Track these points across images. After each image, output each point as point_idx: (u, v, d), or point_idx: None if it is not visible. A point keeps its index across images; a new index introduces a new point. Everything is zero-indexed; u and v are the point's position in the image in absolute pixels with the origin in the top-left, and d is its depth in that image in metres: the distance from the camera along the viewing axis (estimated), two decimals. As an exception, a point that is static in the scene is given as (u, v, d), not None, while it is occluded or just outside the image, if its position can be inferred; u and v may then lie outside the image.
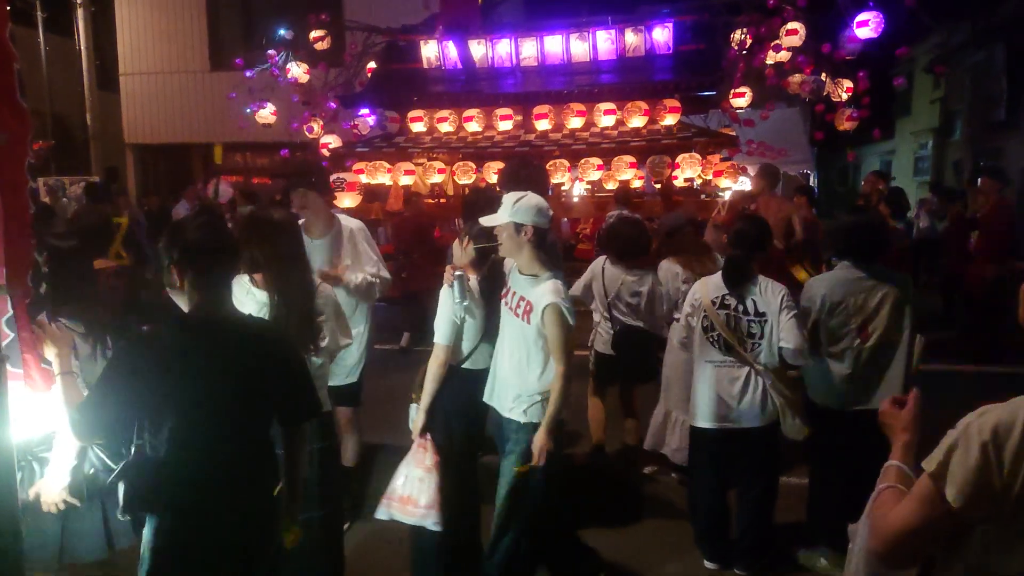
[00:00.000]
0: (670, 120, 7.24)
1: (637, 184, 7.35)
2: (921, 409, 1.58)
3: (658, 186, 7.37)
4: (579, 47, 7.77)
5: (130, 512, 2.09)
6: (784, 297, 3.25)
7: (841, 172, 25.71)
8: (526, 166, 4.07)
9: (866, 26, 7.57)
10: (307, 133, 9.04)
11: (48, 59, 14.02)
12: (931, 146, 21.47)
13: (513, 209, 2.81)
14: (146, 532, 2.02)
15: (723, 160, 7.49)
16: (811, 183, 13.03)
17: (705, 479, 3.45)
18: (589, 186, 7.76)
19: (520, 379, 2.87)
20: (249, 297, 2.76)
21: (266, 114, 9.19)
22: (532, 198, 2.86)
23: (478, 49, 8.14)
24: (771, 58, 7.84)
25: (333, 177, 7.29)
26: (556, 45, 7.79)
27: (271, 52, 9.13)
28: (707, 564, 3.47)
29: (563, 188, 7.95)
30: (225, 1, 14.30)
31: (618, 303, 4.34)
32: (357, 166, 8.07)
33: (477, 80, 8.18)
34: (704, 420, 3.33)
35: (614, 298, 4.32)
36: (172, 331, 2.01)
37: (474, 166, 7.43)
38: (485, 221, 2.91)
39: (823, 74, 8.05)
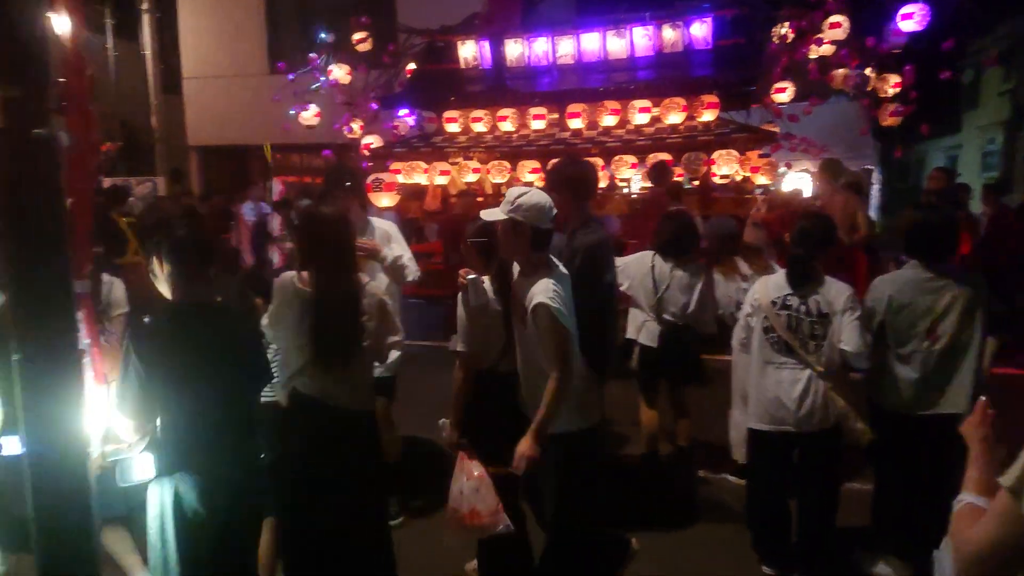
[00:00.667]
0: (708, 116, 7.12)
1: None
2: (991, 416, 1.51)
3: (695, 183, 7.27)
4: (616, 44, 7.71)
5: (166, 474, 2.37)
6: (848, 297, 3.16)
7: (902, 168, 24.82)
8: (574, 163, 4.06)
9: (911, 19, 7.36)
10: (347, 134, 9.20)
11: (116, 64, 14.58)
12: (1000, 140, 20.52)
13: (512, 205, 2.69)
14: (163, 495, 2.35)
15: (761, 156, 7.29)
16: (873, 179, 12.64)
17: (763, 482, 3.38)
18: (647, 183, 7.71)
19: (536, 386, 2.74)
20: (296, 297, 2.73)
21: (309, 116, 9.37)
22: (533, 195, 2.73)
23: (515, 48, 8.14)
24: (814, 52, 7.62)
25: (372, 177, 7.40)
26: (593, 43, 7.75)
27: (312, 55, 9.34)
28: (765, 570, 3.40)
29: (621, 186, 7.85)
30: (283, 6, 14.66)
31: (667, 300, 4.28)
32: (395, 166, 8.12)
33: (514, 79, 8.17)
34: (763, 422, 3.26)
35: (663, 294, 4.27)
36: (171, 319, 2.37)
37: (509, 165, 7.40)
38: (484, 215, 2.84)
39: (868, 69, 7.84)
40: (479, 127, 7.89)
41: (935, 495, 2.78)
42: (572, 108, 7.35)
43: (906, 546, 3.24)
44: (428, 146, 8.31)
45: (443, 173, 7.98)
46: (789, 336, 3.16)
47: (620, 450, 4.61)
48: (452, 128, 8.20)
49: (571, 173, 3.77)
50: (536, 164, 7.08)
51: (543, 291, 2.63)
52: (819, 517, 3.30)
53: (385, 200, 7.59)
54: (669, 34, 7.54)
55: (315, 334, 2.68)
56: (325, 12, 12.63)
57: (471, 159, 7.71)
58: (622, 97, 7.28)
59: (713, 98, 7.07)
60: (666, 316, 4.26)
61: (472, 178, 7.71)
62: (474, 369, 3.02)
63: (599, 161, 6.97)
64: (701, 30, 7.40)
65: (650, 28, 7.58)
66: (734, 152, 6.67)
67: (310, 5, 14.25)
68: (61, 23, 1.75)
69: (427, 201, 8.24)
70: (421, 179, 7.94)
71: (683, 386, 4.50)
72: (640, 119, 7.18)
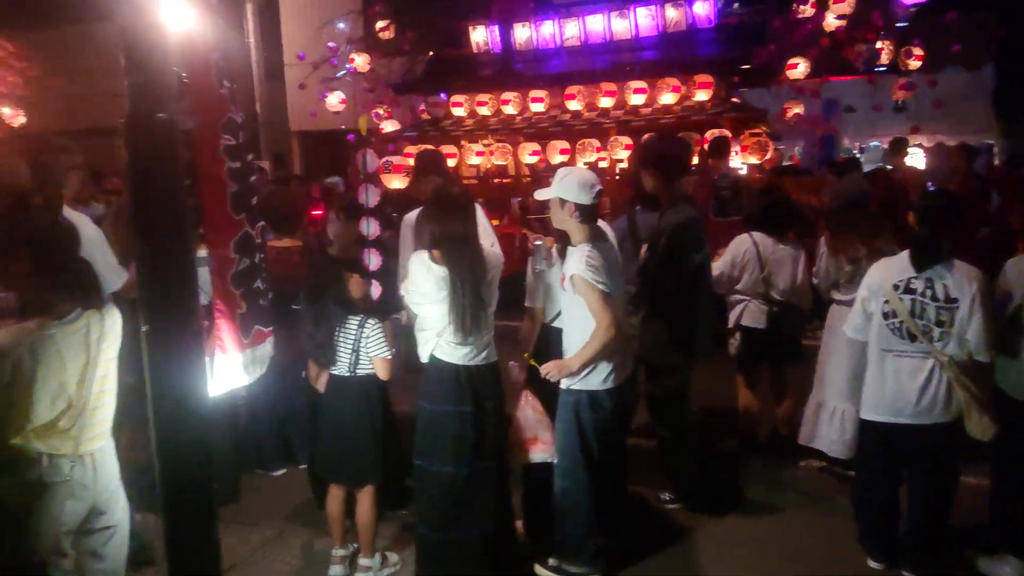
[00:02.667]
0: (702, 96, 7.03)
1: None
2: None
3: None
4: (620, 25, 7.70)
5: None
6: (979, 282, 2.92)
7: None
8: (665, 140, 3.97)
9: None
10: (375, 120, 9.36)
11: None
12: None
13: (559, 184, 2.95)
14: None
15: (763, 135, 7.05)
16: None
17: (875, 474, 3.21)
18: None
19: (572, 339, 3.03)
20: (429, 273, 2.91)
21: (334, 102, 9.61)
22: (575, 174, 2.96)
23: (523, 32, 8.19)
24: (829, 26, 7.32)
25: (383, 160, 7.60)
26: (597, 24, 7.76)
27: (331, 45, 9.55)
28: (871, 563, 3.25)
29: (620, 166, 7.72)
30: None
31: (775, 278, 4.12)
32: (408, 149, 8.26)
33: (524, 62, 8.20)
34: (878, 413, 3.08)
35: (769, 274, 4.11)
36: None
37: (511, 148, 7.48)
38: (538, 195, 3.12)
39: (879, 43, 7.53)
40: (484, 110, 8.01)
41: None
42: (570, 90, 7.37)
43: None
44: (437, 130, 8.51)
45: (450, 156, 8.13)
46: (912, 322, 2.96)
47: (717, 435, 4.49)
48: (459, 112, 8.34)
49: (661, 150, 3.71)
50: (536, 146, 7.10)
51: (576, 261, 2.89)
52: (932, 512, 3.11)
53: (396, 182, 7.77)
54: (672, 13, 7.50)
55: (449, 308, 2.89)
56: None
57: (475, 142, 7.79)
58: (620, 78, 7.26)
59: (707, 78, 6.98)
60: (773, 295, 4.12)
61: (476, 160, 7.81)
62: (540, 322, 3.39)
63: (595, 142, 6.92)
64: (703, 8, 7.34)
65: (653, 8, 7.51)
66: (727, 131, 6.54)
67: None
68: (186, 9, 1.84)
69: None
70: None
71: (785, 368, 4.35)
72: (636, 100, 7.18)
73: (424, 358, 3.07)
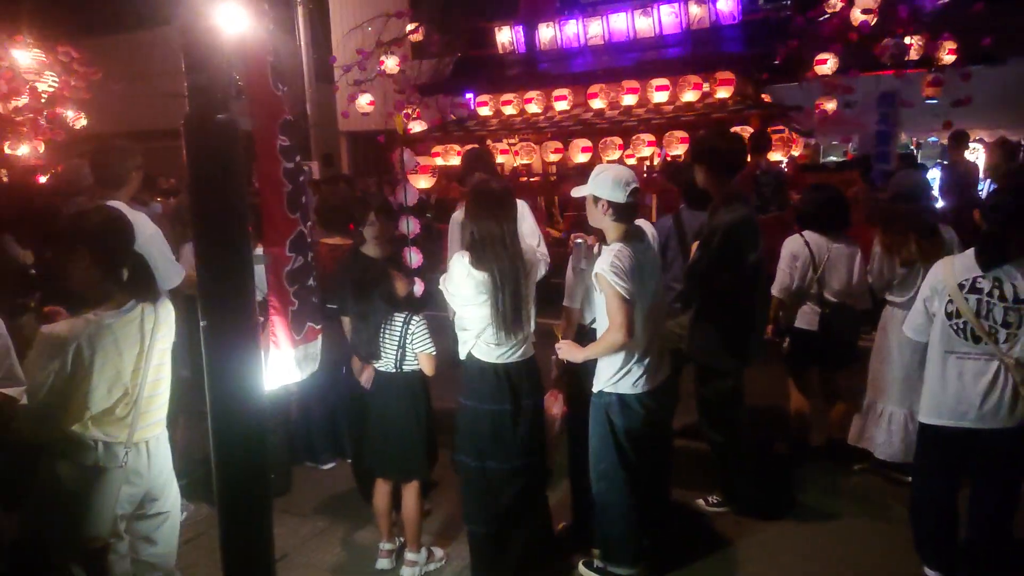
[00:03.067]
0: (723, 93, 6.94)
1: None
2: None
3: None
4: (644, 23, 7.66)
5: None
6: None
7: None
8: (718, 135, 3.89)
9: None
10: (405, 120, 9.43)
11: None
12: None
13: (593, 182, 2.91)
14: None
15: (786, 132, 6.96)
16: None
17: (933, 479, 3.10)
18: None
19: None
20: (469, 277, 2.91)
21: (364, 103, 9.82)
22: (610, 172, 2.90)
23: (547, 32, 8.21)
24: (855, 20, 7.19)
25: (408, 160, 7.69)
26: (621, 23, 7.74)
27: (360, 49, 9.70)
28: (928, 571, 3.14)
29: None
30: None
31: (829, 278, 4.02)
32: (435, 149, 8.36)
33: (550, 61, 8.19)
34: (938, 417, 2.96)
35: (823, 274, 4.01)
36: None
37: (536, 146, 7.47)
38: (573, 193, 3.07)
39: (906, 37, 7.41)
40: (509, 110, 8.05)
41: None
42: (592, 89, 7.34)
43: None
44: (462, 130, 8.58)
45: None
46: (977, 323, 2.84)
47: (768, 439, 4.40)
48: (484, 112, 8.42)
49: (713, 146, 3.62)
50: (559, 144, 7.08)
51: (603, 260, 2.84)
52: (994, 521, 2.99)
53: (422, 182, 7.78)
54: (695, 10, 7.40)
55: (491, 311, 2.91)
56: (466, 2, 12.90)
57: (500, 141, 7.81)
58: (642, 77, 7.23)
59: (728, 75, 6.88)
60: (827, 296, 4.01)
61: (502, 159, 7.78)
62: (576, 322, 3.31)
63: (617, 140, 6.84)
64: (728, 5, 7.25)
65: (676, 5, 7.46)
66: (749, 128, 6.42)
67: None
68: (240, 11, 1.88)
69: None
70: (455, 161, 8.12)
71: (837, 371, 4.24)
72: (659, 97, 7.12)
73: (463, 356, 3.10)
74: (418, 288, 3.38)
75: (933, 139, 14.02)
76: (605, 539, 3.16)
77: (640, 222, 3.09)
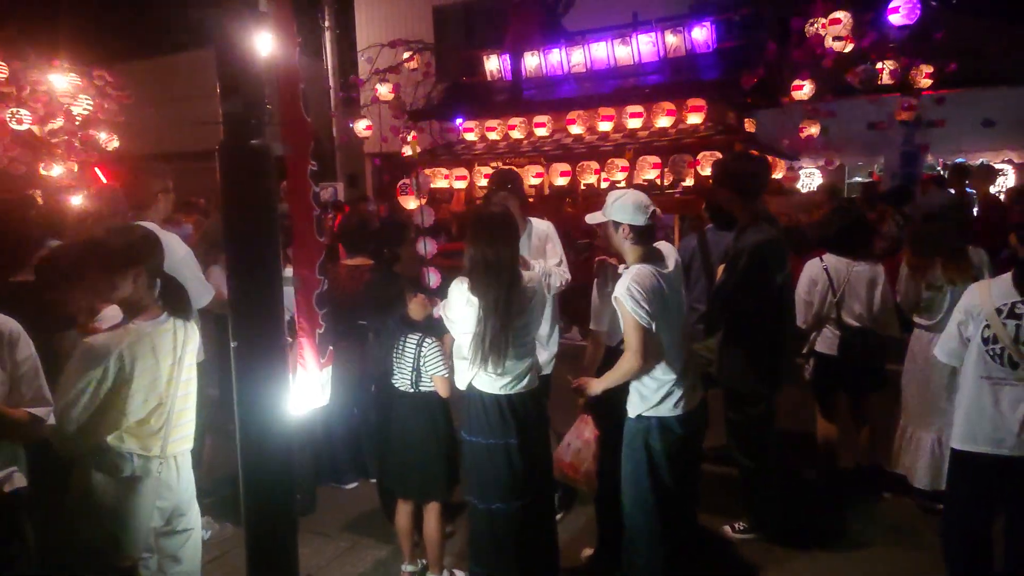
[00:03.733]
0: (695, 119, 7.22)
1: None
2: None
3: (689, 183, 7.19)
4: (623, 51, 8.09)
5: None
6: None
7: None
8: (740, 158, 3.89)
9: (896, 13, 7.26)
10: (403, 144, 9.80)
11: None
12: None
13: (611, 208, 2.91)
14: None
15: (777, 157, 7.25)
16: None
17: (966, 508, 3.02)
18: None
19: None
20: (468, 305, 2.87)
21: (361, 127, 10.32)
22: (629, 197, 2.90)
23: (532, 60, 8.74)
24: (830, 45, 7.45)
25: (400, 183, 8.13)
26: (601, 51, 8.18)
27: (354, 77, 10.15)
28: (962, 603, 3.06)
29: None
30: (451, 24, 15.41)
31: (849, 301, 3.97)
32: (427, 171, 8.64)
33: (535, 88, 8.60)
34: (974, 444, 2.88)
35: (842, 297, 3.97)
36: None
37: (518, 170, 7.56)
38: (588, 219, 3.08)
39: (880, 62, 7.67)
40: (493, 135, 8.46)
41: None
42: (571, 115, 7.74)
43: None
44: (448, 154, 9.03)
45: (460, 178, 8.40)
46: (1015, 349, 2.77)
47: (796, 465, 4.34)
48: (470, 136, 8.88)
49: (735, 169, 3.62)
50: (540, 168, 7.51)
51: (621, 284, 2.83)
52: (1031, 551, 2.91)
53: (412, 203, 8.10)
54: (671, 39, 7.77)
55: (481, 338, 2.83)
56: (488, 25, 13.17)
57: (485, 165, 8.14)
58: (618, 103, 7.62)
59: (699, 101, 7.14)
60: (847, 320, 3.97)
61: (485, 183, 7.88)
62: (604, 344, 3.29)
63: (593, 164, 7.21)
64: (702, 34, 7.60)
65: (653, 34, 7.81)
66: (718, 154, 6.64)
67: (477, 22, 14.91)
68: (273, 40, 1.93)
69: (453, 203, 8.74)
70: (443, 183, 8.67)
71: (865, 397, 4.17)
72: (633, 123, 7.45)
73: (462, 386, 3.03)
74: (437, 309, 3.38)
75: (961, 160, 13.87)
76: (632, 567, 3.12)
77: (660, 244, 3.06)
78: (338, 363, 4.11)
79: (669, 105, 7.25)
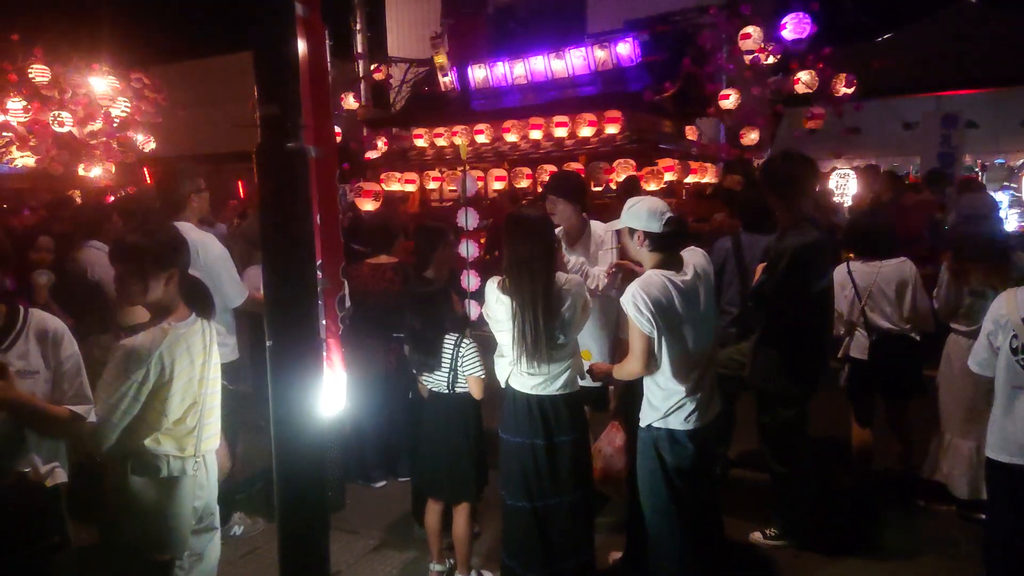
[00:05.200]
0: (612, 129, 7.87)
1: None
2: None
3: (598, 189, 7.93)
4: (558, 65, 8.80)
5: None
6: None
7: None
8: (783, 160, 3.83)
9: (785, 28, 7.99)
10: (368, 152, 10.42)
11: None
12: None
13: (626, 214, 2.89)
14: None
15: (658, 165, 7.94)
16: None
17: (1006, 519, 2.94)
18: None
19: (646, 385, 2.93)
20: (499, 303, 2.92)
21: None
22: (644, 203, 2.87)
23: (480, 72, 9.44)
24: (749, 60, 8.21)
25: (356, 185, 8.50)
26: (539, 64, 8.91)
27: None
28: (1002, 616, 2.99)
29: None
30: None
31: (877, 303, 3.91)
32: (381, 176, 9.33)
33: (484, 98, 9.40)
34: (1007, 454, 2.81)
35: (868, 299, 3.90)
36: None
37: (482, 173, 8.64)
38: (609, 226, 3.12)
39: (783, 74, 8.37)
40: (441, 142, 9.22)
41: None
42: (505, 124, 8.47)
43: None
44: (403, 159, 9.75)
45: (408, 182, 9.06)
46: None
47: (829, 471, 4.27)
48: (420, 143, 9.66)
49: (778, 170, 3.57)
50: (480, 173, 8.20)
51: (628, 290, 2.79)
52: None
53: (367, 205, 8.39)
54: (600, 54, 8.46)
55: (514, 337, 2.87)
56: (514, 31, 13.24)
57: (433, 170, 9.01)
58: (545, 114, 8.33)
59: (616, 113, 7.79)
60: (878, 323, 3.90)
61: (434, 185, 9.02)
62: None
63: (525, 170, 7.84)
64: (626, 49, 8.29)
65: (584, 49, 8.52)
66: (631, 161, 7.31)
67: (499, 26, 15.09)
68: (304, 42, 1.96)
69: (409, 204, 9.39)
70: (396, 187, 9.32)
71: (902, 402, 4.09)
72: (560, 132, 8.11)
73: (503, 384, 3.09)
74: (475, 311, 3.42)
75: (1000, 160, 13.55)
76: (659, 570, 3.10)
77: (689, 250, 2.98)
78: (366, 362, 4.19)
79: (591, 116, 7.99)
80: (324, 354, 2.29)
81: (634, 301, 2.74)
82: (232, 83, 9.90)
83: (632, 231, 2.88)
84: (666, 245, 2.87)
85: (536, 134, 8.21)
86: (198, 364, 2.47)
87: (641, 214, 2.84)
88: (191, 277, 2.55)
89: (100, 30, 13.19)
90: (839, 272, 3.99)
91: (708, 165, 8.38)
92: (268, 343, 1.85)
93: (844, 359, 4.08)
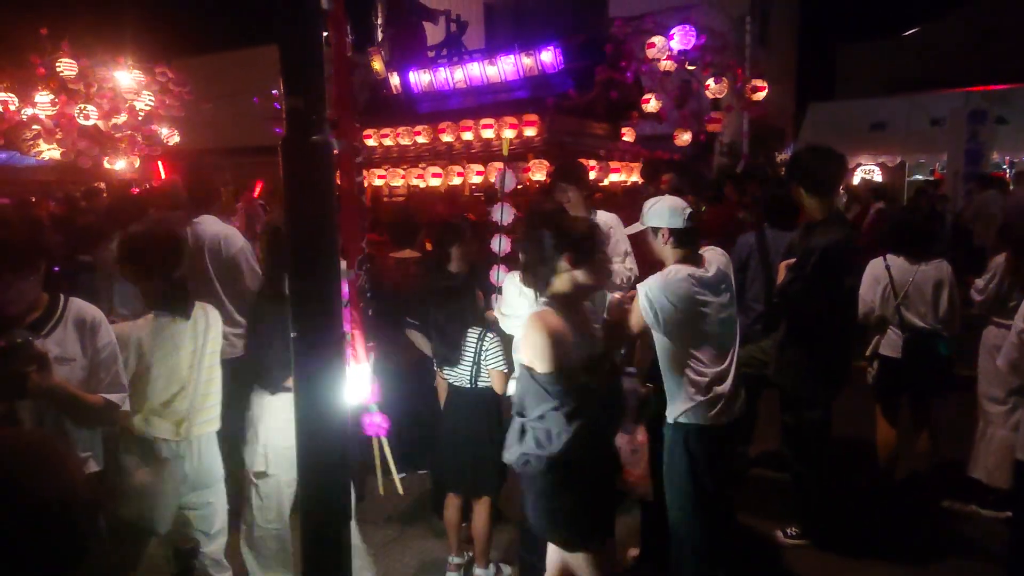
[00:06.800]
0: (531, 132, 8.45)
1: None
2: None
3: (520, 187, 8.03)
4: (492, 70, 9.54)
5: None
6: None
7: None
8: (810, 153, 3.78)
9: (673, 39, 8.60)
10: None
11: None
12: None
13: (648, 214, 2.93)
14: None
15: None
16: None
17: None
18: None
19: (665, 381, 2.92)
20: (521, 296, 2.91)
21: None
22: (665, 202, 2.91)
23: (424, 76, 10.34)
24: (664, 67, 8.77)
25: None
26: (475, 70, 9.74)
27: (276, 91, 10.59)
28: (1026, 620, 2.95)
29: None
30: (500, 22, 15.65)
31: (913, 302, 3.85)
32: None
33: (428, 100, 10.09)
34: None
35: (904, 298, 3.85)
36: None
37: (402, 172, 9.09)
38: (630, 231, 3.12)
39: (694, 81, 8.94)
40: (387, 141, 9.88)
41: None
42: (440, 126, 9.15)
43: None
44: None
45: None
46: None
47: (853, 471, 4.23)
48: (370, 143, 10.25)
49: (808, 163, 3.50)
50: (420, 171, 8.78)
51: (650, 279, 2.82)
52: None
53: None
54: (527, 61, 9.08)
55: None
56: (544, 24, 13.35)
57: (378, 167, 9.34)
58: (476, 117, 8.96)
59: (533, 117, 8.40)
60: (913, 321, 3.85)
61: (379, 182, 9.48)
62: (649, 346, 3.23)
63: (456, 168, 8.25)
64: (549, 57, 8.86)
65: (512, 56, 9.12)
66: (544, 162, 7.92)
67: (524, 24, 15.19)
68: (333, 37, 1.96)
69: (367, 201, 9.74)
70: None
71: (929, 400, 4.03)
72: (487, 134, 8.68)
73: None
74: (494, 310, 3.42)
75: (1030, 158, 13.28)
76: (678, 569, 3.09)
77: (709, 249, 2.98)
78: (387, 354, 4.21)
79: (512, 119, 8.57)
80: (347, 346, 2.31)
81: (647, 294, 2.77)
82: (256, 76, 10.00)
83: (655, 230, 2.90)
84: (689, 240, 2.90)
85: (468, 135, 8.91)
86: (185, 351, 2.60)
87: (663, 212, 2.87)
88: (179, 278, 2.65)
89: (125, 23, 13.34)
90: (875, 266, 3.95)
91: (636, 165, 8.87)
92: (292, 334, 1.86)
93: (872, 357, 4.03)
